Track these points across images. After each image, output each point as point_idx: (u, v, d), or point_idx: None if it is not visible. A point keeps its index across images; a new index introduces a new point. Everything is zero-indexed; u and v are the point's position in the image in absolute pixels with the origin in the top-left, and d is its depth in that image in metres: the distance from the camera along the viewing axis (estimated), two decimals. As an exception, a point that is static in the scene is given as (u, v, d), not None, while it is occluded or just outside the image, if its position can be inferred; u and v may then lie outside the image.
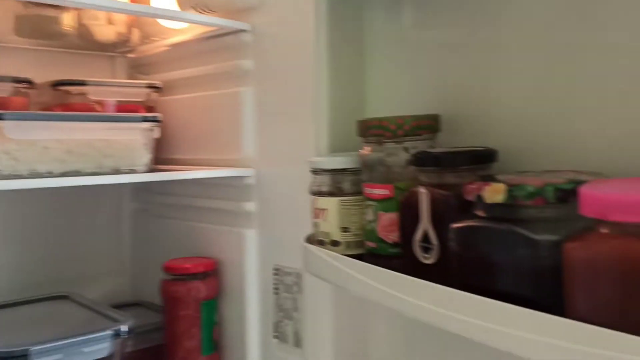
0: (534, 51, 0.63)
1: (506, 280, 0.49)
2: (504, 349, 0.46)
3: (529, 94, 0.64)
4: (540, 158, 0.62)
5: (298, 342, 1.04)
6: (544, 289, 0.47)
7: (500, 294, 0.48)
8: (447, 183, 0.60)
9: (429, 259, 0.60)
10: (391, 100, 0.82)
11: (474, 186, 0.52)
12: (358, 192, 0.73)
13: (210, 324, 1.13)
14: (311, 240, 0.78)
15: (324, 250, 0.72)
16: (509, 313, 0.46)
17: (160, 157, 1.19)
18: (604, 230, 0.42)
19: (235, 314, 1.12)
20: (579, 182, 0.48)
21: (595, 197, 0.42)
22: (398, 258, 0.66)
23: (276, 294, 1.08)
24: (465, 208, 0.57)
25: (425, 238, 0.60)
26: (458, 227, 0.53)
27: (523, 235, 0.48)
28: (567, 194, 0.47)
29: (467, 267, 0.53)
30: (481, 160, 0.60)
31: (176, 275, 1.07)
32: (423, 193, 0.60)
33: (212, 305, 1.13)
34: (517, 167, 0.61)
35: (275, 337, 1.08)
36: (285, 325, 1.06)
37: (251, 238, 1.10)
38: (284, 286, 1.05)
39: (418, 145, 0.66)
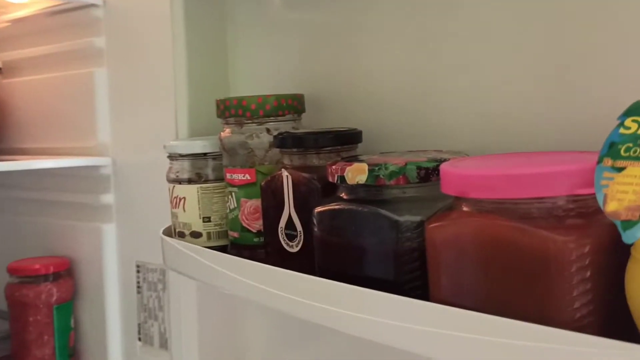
0: (398, 33, 0.61)
1: (370, 264, 0.46)
2: (369, 337, 0.43)
3: (393, 75, 0.62)
4: (405, 139, 0.60)
5: (164, 344, 0.97)
6: (408, 272, 0.44)
7: (365, 279, 0.45)
8: (310, 165, 0.56)
9: (293, 248, 0.56)
10: (256, 80, 0.77)
11: (335, 167, 0.48)
12: (220, 179, 0.68)
13: (64, 329, 1.02)
14: (170, 232, 0.72)
15: (184, 243, 0.66)
16: (371, 299, 0.43)
17: (4, 147, 1.07)
18: (465, 209, 0.40)
19: (93, 318, 1.03)
20: (441, 161, 0.45)
21: (454, 175, 0.40)
22: (263, 247, 0.61)
23: (139, 292, 1.00)
24: (330, 191, 0.53)
25: (290, 225, 0.56)
26: (321, 211, 0.49)
27: (385, 217, 0.45)
28: (429, 173, 0.45)
29: (331, 253, 0.49)
30: (345, 141, 0.56)
31: (23, 278, 0.96)
32: (286, 176, 0.55)
33: (66, 309, 1.03)
34: (382, 148, 0.58)
35: (140, 339, 1.00)
36: (150, 326, 0.98)
37: (109, 233, 1.01)
38: (148, 284, 0.98)
39: (281, 126, 0.62)
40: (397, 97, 0.62)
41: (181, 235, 0.69)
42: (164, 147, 0.72)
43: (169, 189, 0.70)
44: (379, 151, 0.57)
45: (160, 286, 0.97)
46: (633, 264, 0.34)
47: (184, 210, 0.68)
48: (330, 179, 0.50)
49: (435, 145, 0.56)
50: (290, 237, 0.56)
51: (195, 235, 0.68)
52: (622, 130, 0.34)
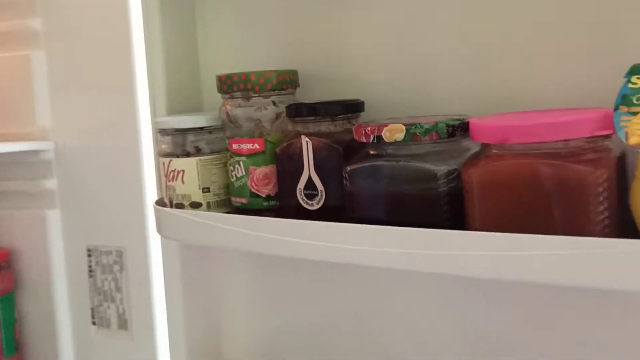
0: (380, 4, 0.68)
1: (411, 210, 0.55)
2: (422, 269, 0.52)
3: (369, 48, 0.69)
4: (391, 109, 0.68)
5: (123, 324, 0.98)
6: (444, 213, 0.54)
7: (406, 224, 0.54)
8: (326, 132, 0.63)
9: (313, 205, 0.62)
10: (227, 57, 0.81)
11: (371, 128, 0.56)
12: (216, 151, 0.72)
13: (9, 322, 0.99)
14: (163, 203, 0.74)
15: (195, 212, 0.69)
16: (420, 237, 0.52)
17: None
18: (496, 153, 0.51)
19: (40, 308, 1.01)
20: (460, 120, 0.55)
21: (494, 127, 0.50)
22: (272, 210, 0.67)
23: (91, 277, 0.99)
24: (350, 152, 0.61)
25: (310, 185, 0.62)
26: (358, 168, 0.57)
27: (425, 168, 0.54)
28: (455, 129, 0.55)
29: (369, 204, 0.57)
30: (355, 110, 0.64)
31: (-41, 272, 0.92)
32: (306, 142, 0.62)
33: (8, 301, 0.99)
34: (374, 117, 0.66)
35: (94, 323, 1.00)
36: (105, 309, 0.98)
37: (54, 219, 0.99)
38: (101, 267, 0.98)
39: (283, 99, 0.68)
40: (375, 70, 0.70)
41: (180, 206, 0.72)
42: (156, 123, 0.74)
43: (163, 164, 0.72)
44: (373, 119, 0.65)
45: (117, 268, 0.97)
46: (636, 182, 0.46)
47: (183, 182, 0.71)
48: (362, 139, 0.57)
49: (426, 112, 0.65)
50: (310, 197, 0.63)
51: (195, 205, 0.71)
52: (630, 86, 0.45)
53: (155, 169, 0.83)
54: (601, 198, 0.47)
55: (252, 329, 0.85)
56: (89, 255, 0.99)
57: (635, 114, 0.44)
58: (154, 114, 0.80)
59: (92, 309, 0.99)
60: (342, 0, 0.71)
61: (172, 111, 0.80)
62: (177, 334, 0.84)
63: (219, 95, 0.79)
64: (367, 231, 0.56)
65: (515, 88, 0.60)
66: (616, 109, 0.46)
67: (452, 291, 0.68)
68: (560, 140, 0.48)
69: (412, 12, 0.66)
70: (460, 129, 0.55)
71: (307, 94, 0.72)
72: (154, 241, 0.93)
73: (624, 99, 0.45)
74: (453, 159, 0.55)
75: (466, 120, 0.55)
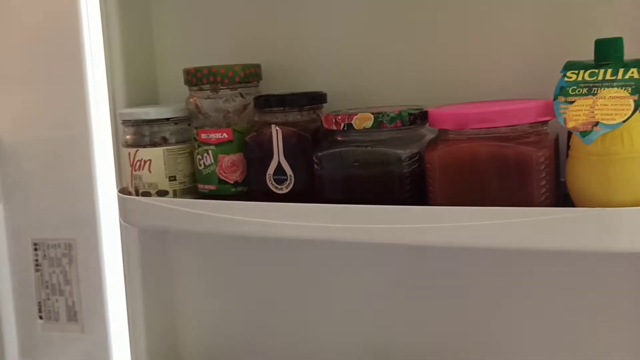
0: None
1: (377, 191, 0.61)
2: (393, 242, 0.59)
3: (323, 42, 0.75)
4: (346, 100, 0.75)
5: (73, 317, 0.98)
6: (407, 191, 0.61)
7: (373, 202, 0.61)
8: (291, 121, 0.69)
9: (283, 190, 0.68)
10: (182, 51, 0.84)
11: (341, 117, 0.62)
12: (182, 141, 0.75)
13: (-49, 321, 0.96)
14: (127, 192, 0.77)
15: (167, 199, 0.73)
16: (393, 213, 0.59)
17: None
18: (453, 138, 0.58)
19: (-17, 304, 0.98)
20: (421, 109, 0.63)
21: (453, 114, 0.58)
22: (240, 195, 0.72)
23: (38, 270, 0.99)
24: (315, 139, 0.67)
25: (279, 171, 0.68)
26: (330, 153, 0.63)
27: (391, 152, 0.61)
28: (416, 118, 0.62)
29: (339, 186, 0.63)
30: (319, 101, 0.70)
31: None
32: (276, 130, 0.67)
33: (-51, 299, 0.97)
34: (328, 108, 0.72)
35: (41, 317, 0.99)
36: (53, 302, 0.98)
37: (-5, 215, 0.97)
38: (49, 260, 0.97)
39: (250, 91, 0.73)
40: (327, 64, 0.76)
41: (146, 194, 0.75)
42: (120, 114, 0.76)
43: (129, 154, 0.75)
44: (332, 110, 0.71)
45: (65, 260, 0.97)
46: (570, 160, 0.55)
47: (150, 172, 0.74)
48: (332, 127, 0.63)
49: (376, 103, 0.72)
50: (280, 182, 0.68)
51: (162, 193, 0.75)
52: (566, 79, 0.55)
53: (115, 159, 0.84)
54: (543, 174, 0.56)
55: (209, 314, 0.89)
56: (35, 249, 0.98)
57: (571, 102, 0.53)
58: (113, 106, 0.82)
59: (39, 303, 0.99)
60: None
61: (131, 103, 0.82)
62: (137, 322, 0.87)
63: (175, 87, 0.83)
64: (338, 210, 0.62)
65: (460, 81, 0.68)
66: (555, 98, 0.54)
67: (402, 264, 0.76)
68: (510, 125, 0.56)
69: (367, 7, 0.73)
70: (420, 117, 0.62)
71: (264, 87, 0.77)
72: (106, 232, 0.95)
73: (562, 90, 0.54)
74: (413, 144, 0.62)
75: (424, 110, 0.62)
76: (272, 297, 0.85)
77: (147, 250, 0.86)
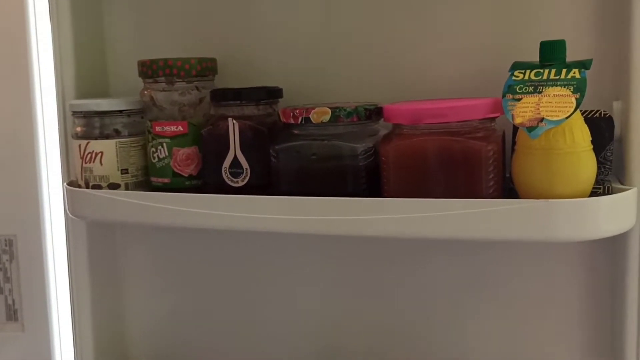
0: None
1: (333, 183, 0.63)
2: (348, 234, 0.61)
3: (282, 37, 0.77)
4: (298, 95, 0.76)
5: (13, 315, 0.95)
6: (363, 184, 0.63)
7: (331, 194, 0.62)
8: (247, 115, 0.69)
9: (238, 183, 0.68)
10: (133, 44, 0.83)
11: (299, 110, 0.64)
12: (134, 134, 0.75)
13: None
14: (76, 185, 0.75)
15: (117, 192, 0.72)
16: (346, 204, 0.61)
17: None
18: (407, 132, 0.61)
19: None
20: (376, 105, 0.65)
21: (408, 109, 0.60)
22: (194, 189, 0.72)
23: (-24, 268, 0.95)
24: (272, 133, 0.68)
25: (235, 164, 0.68)
26: (287, 146, 0.64)
27: (348, 146, 0.62)
28: (371, 113, 0.64)
29: (297, 179, 0.64)
30: (276, 95, 0.71)
31: None
32: (232, 123, 0.68)
33: None
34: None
35: (-22, 316, 0.95)
36: (-9, 300, 0.95)
37: None
38: (-13, 257, 0.94)
39: (205, 85, 0.73)
40: (283, 60, 0.77)
41: (97, 187, 0.74)
42: (71, 105, 0.75)
43: (79, 146, 0.74)
44: (287, 105, 0.72)
45: (5, 257, 0.94)
46: (516, 154, 0.59)
47: (101, 164, 0.73)
48: (290, 121, 0.64)
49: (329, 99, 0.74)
50: (236, 175, 0.68)
51: (113, 186, 0.74)
52: (514, 78, 0.58)
53: (61, 152, 0.82)
54: (491, 168, 0.59)
55: (158, 312, 0.88)
56: (-28, 246, 0.94)
57: (518, 100, 0.57)
58: (61, 97, 0.80)
59: (-24, 302, 0.95)
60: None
61: (80, 94, 0.81)
62: (83, 320, 0.85)
63: (126, 79, 0.82)
64: (293, 202, 0.63)
65: (412, 79, 0.71)
66: (504, 96, 0.58)
67: (355, 262, 0.78)
68: (461, 121, 0.59)
69: (323, 4, 0.75)
70: (375, 112, 0.64)
71: (218, 81, 0.77)
72: (49, 227, 0.92)
73: (510, 89, 0.58)
74: (368, 138, 0.64)
75: (379, 106, 0.65)
76: (223, 294, 0.85)
77: (95, 245, 0.84)
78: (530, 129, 0.55)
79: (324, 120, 0.63)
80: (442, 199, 0.58)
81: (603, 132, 0.62)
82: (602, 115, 0.62)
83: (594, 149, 0.58)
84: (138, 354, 0.89)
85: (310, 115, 0.63)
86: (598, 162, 0.58)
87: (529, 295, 0.71)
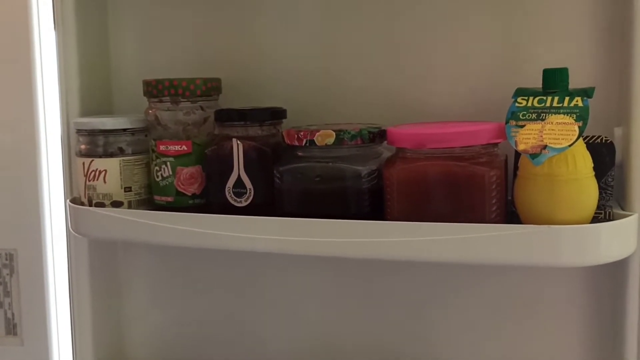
0: (296, 14, 0.76)
1: (337, 205, 0.63)
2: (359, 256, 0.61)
3: (282, 59, 0.78)
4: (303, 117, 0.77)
5: (12, 330, 0.95)
6: (367, 207, 0.63)
7: (333, 215, 0.63)
8: (251, 135, 0.70)
9: (242, 203, 0.69)
10: (139, 63, 0.84)
11: (303, 133, 0.64)
12: (138, 152, 0.75)
13: None
14: (79, 202, 0.76)
15: (120, 210, 0.72)
16: (351, 227, 0.61)
17: None
18: (410, 156, 0.61)
19: None
20: (380, 128, 0.65)
21: (412, 134, 0.61)
22: (197, 208, 0.72)
23: (-24, 282, 0.95)
24: (275, 154, 0.68)
25: (239, 184, 0.69)
26: (291, 167, 0.65)
27: (352, 168, 0.63)
28: (375, 136, 0.65)
29: (298, 201, 0.65)
30: (280, 116, 0.72)
31: None
32: (237, 144, 0.68)
33: None
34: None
35: (-24, 331, 0.95)
36: (-9, 314, 0.94)
37: None
38: (-13, 271, 0.94)
39: (210, 104, 0.73)
40: (283, 79, 0.78)
41: (100, 205, 0.74)
42: (76, 123, 0.75)
43: (83, 163, 0.74)
44: (290, 125, 0.73)
45: (5, 272, 0.94)
46: (519, 180, 0.59)
47: (105, 182, 0.74)
48: (294, 143, 0.65)
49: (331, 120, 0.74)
50: (239, 195, 0.69)
51: (117, 204, 0.74)
52: (517, 104, 0.59)
53: (64, 169, 0.83)
54: (494, 193, 0.59)
55: (158, 328, 0.88)
56: (-27, 260, 0.94)
57: (521, 126, 0.57)
58: (65, 115, 0.81)
59: (-25, 316, 0.95)
60: (249, 9, 0.78)
61: (84, 113, 0.81)
62: (84, 336, 0.85)
63: (130, 98, 0.82)
64: (295, 223, 0.64)
65: (415, 103, 0.72)
66: (507, 122, 0.58)
67: (353, 272, 0.78)
68: (464, 146, 0.60)
69: (326, 27, 0.75)
70: (378, 135, 0.65)
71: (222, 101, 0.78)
72: (50, 242, 0.92)
73: (513, 115, 0.58)
74: (371, 161, 0.65)
75: (383, 128, 0.65)
76: (223, 308, 0.85)
77: (96, 261, 0.85)
78: (534, 156, 0.55)
79: (328, 143, 0.63)
80: (445, 223, 0.59)
81: (604, 157, 0.62)
82: (604, 141, 0.63)
83: (596, 175, 0.58)
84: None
85: (314, 138, 0.64)
86: (599, 187, 0.59)
87: (529, 318, 0.72)
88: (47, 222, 0.92)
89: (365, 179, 0.63)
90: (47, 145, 0.90)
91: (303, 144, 0.64)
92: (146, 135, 0.76)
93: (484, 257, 0.59)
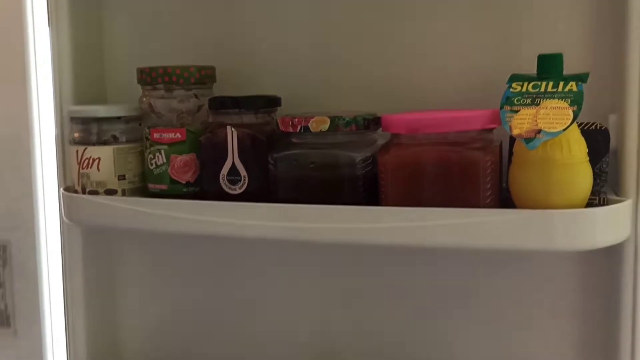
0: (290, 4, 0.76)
1: (332, 192, 0.63)
2: (348, 241, 0.61)
3: (272, 46, 0.78)
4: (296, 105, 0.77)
5: (5, 321, 0.94)
6: (362, 193, 0.63)
7: (328, 202, 0.62)
8: (246, 123, 0.70)
9: (236, 190, 0.69)
10: (131, 50, 0.84)
11: (298, 119, 0.64)
12: (132, 140, 0.75)
13: None
14: (72, 191, 0.75)
15: (114, 197, 0.72)
16: (345, 213, 0.61)
17: None
18: (405, 142, 0.61)
19: None
20: (375, 115, 0.65)
21: (407, 119, 0.61)
22: (192, 196, 0.72)
23: (-32, 273, 0.94)
24: (270, 141, 0.68)
25: (233, 172, 0.68)
26: (286, 154, 0.64)
27: (346, 155, 0.63)
28: (370, 123, 0.65)
29: (292, 188, 0.65)
30: (274, 104, 0.72)
31: None
32: (231, 132, 0.68)
33: None
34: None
35: (-30, 322, 0.95)
36: (-16, 306, 0.94)
37: None
38: (-20, 262, 0.93)
39: (204, 93, 0.73)
40: (280, 69, 0.77)
41: (94, 193, 0.73)
42: (70, 111, 0.75)
43: (77, 151, 0.74)
44: (284, 114, 0.72)
45: (-2, 263, 0.94)
46: (513, 165, 0.59)
47: (98, 170, 0.73)
48: (288, 129, 0.65)
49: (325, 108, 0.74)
50: (233, 182, 0.69)
51: (110, 192, 0.74)
52: (511, 90, 0.59)
53: (57, 158, 0.82)
54: (488, 178, 0.59)
55: (153, 317, 0.88)
56: (-34, 251, 0.94)
57: (516, 111, 0.57)
58: (59, 103, 0.80)
59: (-32, 308, 0.94)
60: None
61: (78, 101, 0.81)
62: (77, 325, 0.84)
63: (123, 86, 0.82)
64: (290, 209, 0.63)
65: (409, 91, 0.72)
66: (501, 108, 0.58)
67: (346, 266, 0.78)
68: (459, 132, 0.59)
69: (321, 15, 0.75)
70: (373, 122, 0.65)
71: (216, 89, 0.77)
72: (44, 233, 0.92)
73: (507, 100, 0.58)
74: (366, 148, 0.65)
75: (378, 115, 0.65)
76: (218, 300, 0.85)
77: (90, 252, 0.84)
78: (528, 140, 0.55)
79: (323, 129, 0.63)
80: (439, 208, 0.59)
81: (599, 144, 0.62)
82: (598, 128, 0.63)
83: (590, 161, 0.58)
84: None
85: (309, 124, 0.63)
86: (594, 173, 0.59)
87: (522, 303, 0.72)
88: (40, 213, 0.91)
89: (360, 165, 0.63)
90: (42, 135, 0.89)
91: (297, 131, 0.64)
92: (140, 124, 0.75)
93: (478, 242, 0.58)
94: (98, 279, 0.86)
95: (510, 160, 0.60)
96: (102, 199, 0.72)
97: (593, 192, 0.59)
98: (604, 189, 0.63)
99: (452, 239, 0.59)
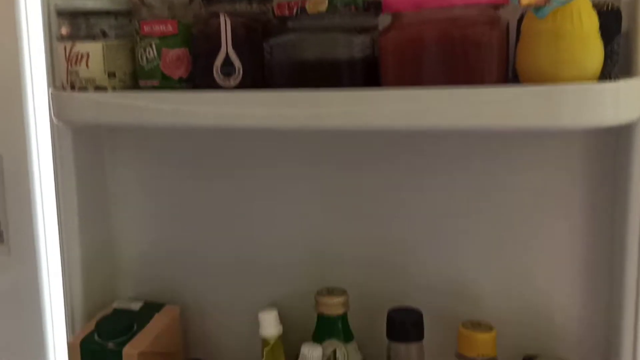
0: None
1: (331, 77, 0.60)
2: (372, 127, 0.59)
3: None
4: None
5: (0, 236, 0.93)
6: (362, 77, 0.60)
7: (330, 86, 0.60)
8: (243, 11, 0.66)
9: (230, 82, 0.66)
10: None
11: (294, 2, 0.61)
12: (122, 36, 0.72)
13: None
14: (61, 88, 0.73)
15: (107, 94, 0.69)
16: (344, 96, 0.58)
17: None
18: (407, 21, 0.58)
19: None
20: (376, -1, 0.62)
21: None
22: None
23: (-41, 188, 0.93)
24: (267, 31, 0.65)
25: (227, 63, 0.66)
26: (281, 40, 0.62)
27: (345, 37, 0.60)
28: (370, 5, 0.61)
29: (289, 75, 0.62)
30: (269, -7, 0.68)
31: None
32: (224, 20, 0.65)
33: None
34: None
35: (-39, 241, 0.93)
36: (-24, 222, 0.92)
37: None
38: (-29, 178, 0.91)
39: (196, -16, 0.70)
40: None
41: (83, 90, 0.71)
42: (55, 5, 0.72)
43: (65, 47, 0.71)
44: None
45: (-10, 177, 0.92)
46: (522, 40, 0.56)
47: (87, 67, 0.70)
48: (284, 13, 0.62)
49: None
50: (228, 74, 0.66)
51: (100, 89, 0.71)
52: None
53: (46, 60, 0.79)
54: (494, 54, 0.56)
55: (147, 222, 0.86)
56: (-44, 166, 0.92)
57: (523, -15, 0.54)
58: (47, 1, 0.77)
59: (-40, 225, 0.93)
60: None
61: None
62: (72, 239, 0.82)
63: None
64: (287, 96, 0.61)
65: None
66: (509, -21, 0.55)
67: (349, 163, 0.76)
68: (464, 5, 0.56)
69: None
70: (373, 5, 0.62)
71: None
72: (34, 144, 0.90)
73: (515, -25, 0.55)
74: (366, 32, 0.62)
75: (378, -1, 0.62)
76: (212, 201, 0.82)
77: (82, 162, 0.82)
78: (537, 9, 0.52)
79: (321, 10, 0.60)
80: (442, 86, 0.56)
81: (611, 24, 0.59)
82: (611, 8, 0.60)
83: (602, 41, 0.55)
84: (127, 274, 0.87)
85: (305, 6, 0.60)
86: (605, 54, 0.56)
87: (526, 190, 0.69)
88: (31, 123, 0.89)
89: (358, 47, 0.60)
90: (30, 37, 0.86)
91: (294, 14, 0.61)
92: (130, 21, 0.72)
93: (483, 120, 0.55)
94: (91, 190, 0.84)
95: (517, 42, 0.58)
96: (91, 95, 0.69)
97: (604, 74, 0.57)
98: (615, 70, 0.60)
99: (455, 118, 0.56)
